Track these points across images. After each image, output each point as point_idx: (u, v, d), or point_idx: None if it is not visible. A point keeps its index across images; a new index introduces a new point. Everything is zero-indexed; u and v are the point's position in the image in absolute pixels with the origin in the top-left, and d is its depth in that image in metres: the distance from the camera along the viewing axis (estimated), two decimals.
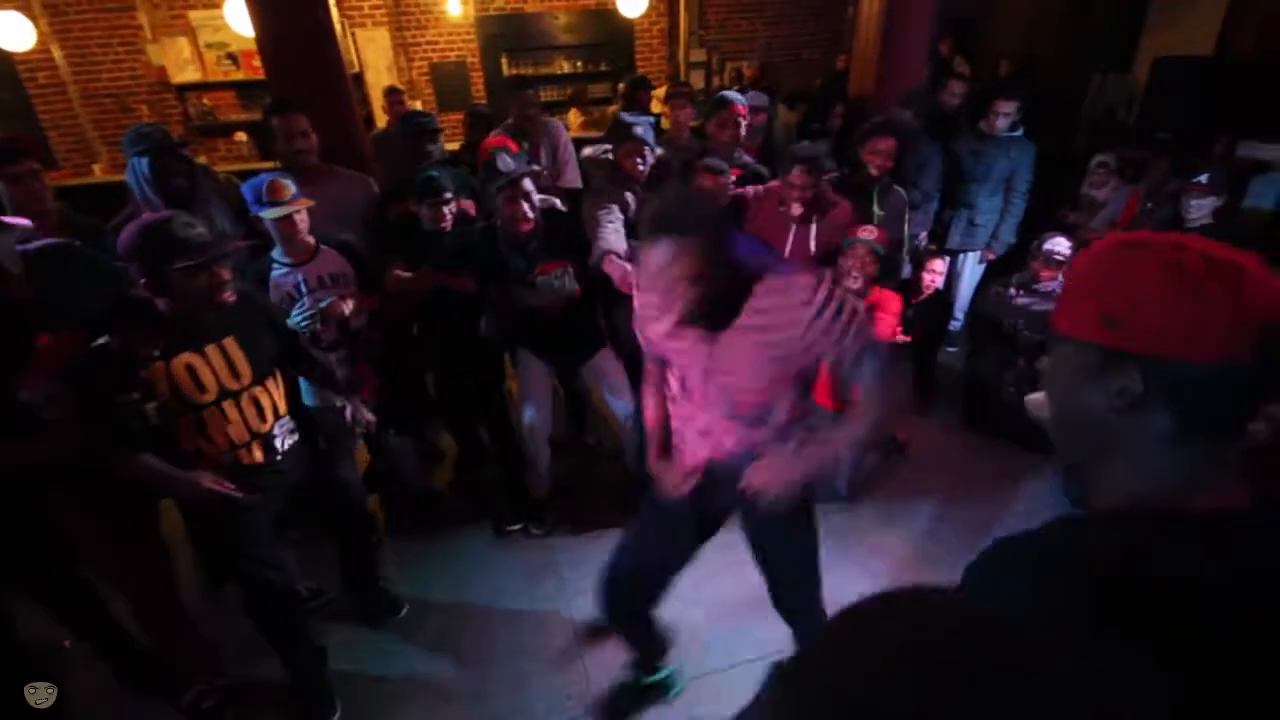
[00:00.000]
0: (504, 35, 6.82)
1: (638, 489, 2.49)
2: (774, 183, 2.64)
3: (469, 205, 2.66)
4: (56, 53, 5.61)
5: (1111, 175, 3.76)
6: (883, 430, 2.50)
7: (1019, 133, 3.49)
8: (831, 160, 3.22)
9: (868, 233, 2.45)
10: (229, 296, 1.57)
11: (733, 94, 2.87)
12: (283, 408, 1.81)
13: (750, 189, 2.67)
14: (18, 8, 4.83)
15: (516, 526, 2.67)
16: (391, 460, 2.80)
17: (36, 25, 4.93)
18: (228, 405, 1.64)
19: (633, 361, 2.73)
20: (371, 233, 2.58)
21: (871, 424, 1.33)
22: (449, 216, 2.40)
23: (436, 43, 6.76)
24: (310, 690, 1.95)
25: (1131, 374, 0.59)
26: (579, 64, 7.05)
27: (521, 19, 6.82)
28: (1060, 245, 2.85)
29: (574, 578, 2.44)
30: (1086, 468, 0.70)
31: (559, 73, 7.04)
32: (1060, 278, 2.85)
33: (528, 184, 2.16)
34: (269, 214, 2.03)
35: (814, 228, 2.56)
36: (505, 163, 2.08)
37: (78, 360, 1.47)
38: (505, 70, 6.90)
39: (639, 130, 2.39)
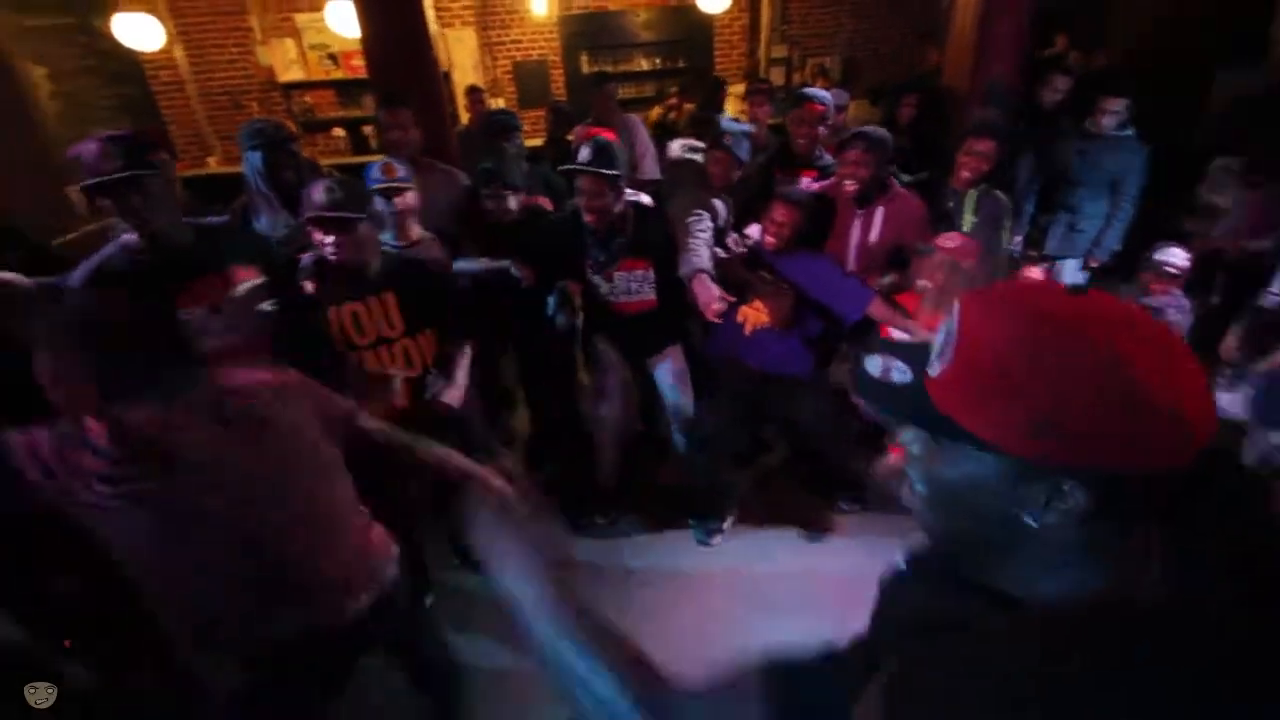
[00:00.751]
0: (585, 34, 6.92)
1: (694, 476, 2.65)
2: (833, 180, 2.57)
3: (545, 201, 2.71)
4: (178, 53, 6.09)
5: (1235, 179, 3.45)
6: None
7: (1129, 132, 3.25)
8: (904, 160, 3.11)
9: (949, 240, 2.22)
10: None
11: (813, 90, 2.79)
12: (429, 362, 1.99)
13: (816, 186, 2.60)
14: (147, 11, 5.27)
15: (583, 520, 2.72)
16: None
17: (164, 27, 5.37)
18: (381, 350, 1.88)
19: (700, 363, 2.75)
20: (463, 224, 2.69)
21: None
22: (512, 208, 2.44)
23: (520, 41, 6.93)
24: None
25: (1067, 488, 0.49)
26: (657, 61, 7.07)
27: (603, 17, 6.90)
28: (1174, 256, 2.63)
29: (638, 568, 2.47)
30: (969, 555, 0.58)
31: (637, 70, 7.09)
32: (1172, 293, 2.63)
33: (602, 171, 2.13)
34: (375, 186, 2.17)
35: (878, 216, 2.45)
36: (582, 154, 2.07)
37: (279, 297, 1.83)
38: (585, 68, 7.00)
39: (729, 141, 2.39)
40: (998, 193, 2.64)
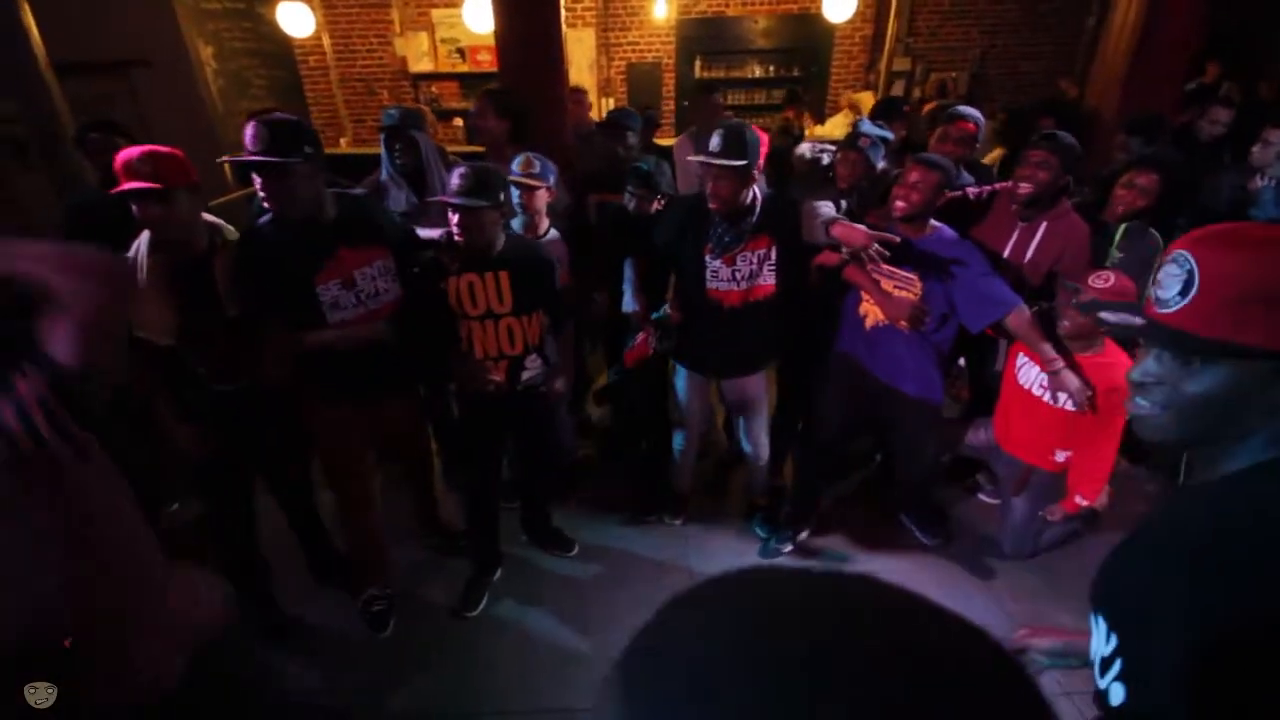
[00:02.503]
0: (701, 38, 6.95)
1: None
2: (1005, 183, 2.42)
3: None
4: (325, 41, 6.61)
5: None
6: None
7: None
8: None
9: (1101, 280, 1.97)
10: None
11: (966, 109, 2.66)
12: (533, 341, 2.12)
13: (973, 190, 2.47)
14: (303, 1, 5.76)
15: (652, 517, 2.74)
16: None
17: (315, 16, 5.85)
18: (489, 324, 2.03)
19: (800, 380, 2.69)
20: (572, 222, 2.78)
21: None
22: (652, 210, 2.51)
23: (637, 44, 7.05)
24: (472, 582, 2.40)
25: None
26: (770, 69, 7.01)
27: (721, 22, 6.91)
28: None
29: (701, 573, 2.46)
30: (1196, 451, 0.74)
31: (749, 77, 7.06)
32: None
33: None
34: (513, 178, 2.30)
35: (1040, 231, 2.29)
36: (713, 143, 2.05)
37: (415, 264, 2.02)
38: (698, 72, 7.04)
39: (865, 144, 2.34)
40: (1153, 230, 2.39)
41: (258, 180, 1.72)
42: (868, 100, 6.05)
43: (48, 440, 0.89)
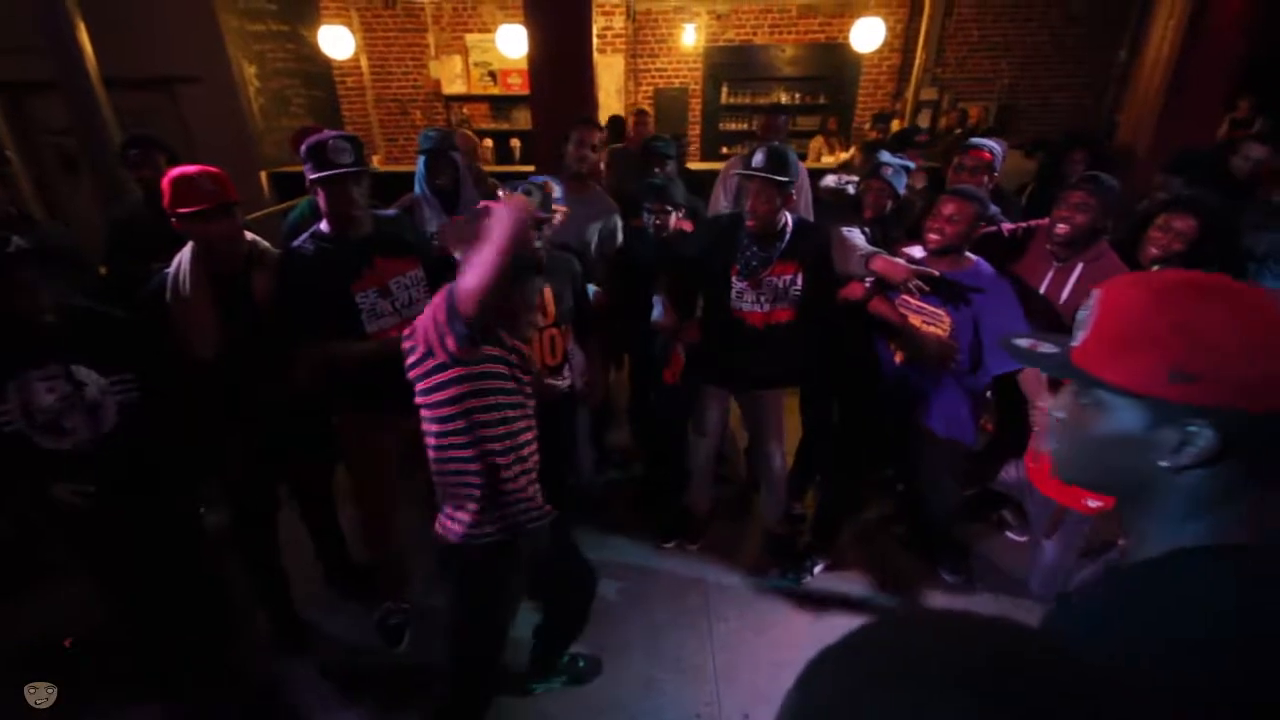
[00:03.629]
0: (729, 65, 7.05)
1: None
2: (1042, 220, 2.39)
3: (687, 224, 2.77)
4: (363, 62, 6.81)
5: None
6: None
7: None
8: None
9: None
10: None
11: (983, 140, 2.66)
12: (567, 350, 2.17)
13: (1009, 226, 2.44)
14: (344, 24, 5.96)
15: (670, 544, 2.71)
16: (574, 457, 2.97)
17: (355, 39, 6.04)
18: (537, 335, 2.04)
19: (823, 411, 2.67)
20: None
21: None
22: (672, 225, 2.51)
23: (665, 70, 7.17)
24: None
25: (1200, 431, 0.56)
26: (797, 96, 7.07)
27: (748, 50, 7.00)
28: None
29: (718, 601, 2.44)
30: (1122, 513, 0.66)
31: (776, 104, 7.10)
32: None
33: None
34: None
35: (1075, 273, 2.23)
36: (756, 158, 2.08)
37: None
38: (724, 99, 7.12)
39: (888, 173, 2.34)
40: None
41: (324, 192, 1.81)
42: (893, 128, 6.07)
43: None
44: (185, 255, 1.82)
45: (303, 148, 1.81)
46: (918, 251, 2.18)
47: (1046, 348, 0.71)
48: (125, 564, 1.85)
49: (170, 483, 1.85)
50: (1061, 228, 2.18)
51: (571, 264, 2.23)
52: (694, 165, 4.45)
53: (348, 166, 1.78)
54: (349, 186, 1.81)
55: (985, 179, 2.54)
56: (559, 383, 2.17)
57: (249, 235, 1.91)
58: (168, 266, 1.84)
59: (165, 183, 1.74)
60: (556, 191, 2.33)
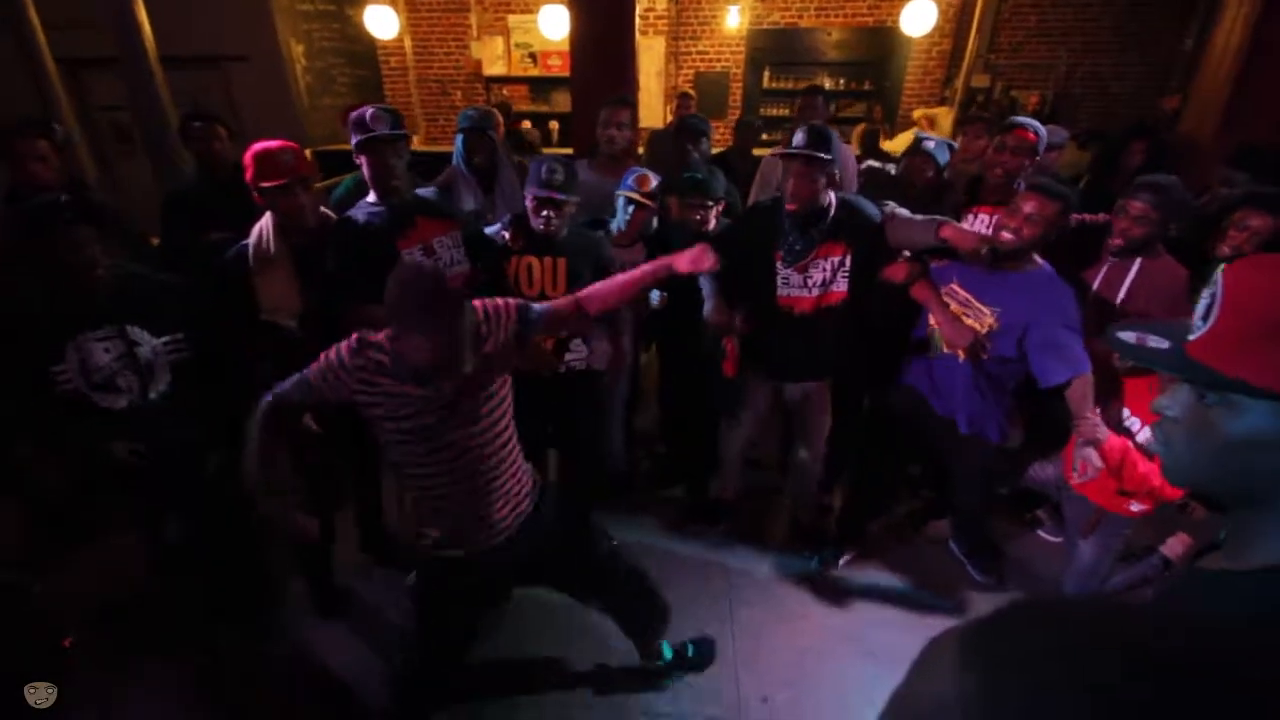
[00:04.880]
0: (771, 49, 6.90)
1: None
2: (1098, 216, 2.31)
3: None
4: (406, 43, 6.87)
5: None
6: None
7: None
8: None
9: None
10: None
11: (1025, 119, 2.55)
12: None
13: (1076, 216, 2.29)
14: (389, 4, 6.01)
15: (696, 526, 2.72)
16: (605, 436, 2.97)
17: (399, 19, 6.10)
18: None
19: (857, 401, 2.63)
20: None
21: None
22: (712, 223, 2.44)
23: (706, 53, 7.06)
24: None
25: None
26: (841, 82, 6.89)
27: (793, 33, 6.84)
28: None
29: (740, 584, 2.46)
30: (1231, 517, 0.60)
31: (813, 85, 6.94)
32: None
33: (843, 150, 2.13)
34: (627, 193, 2.35)
35: (1132, 270, 2.14)
36: (797, 138, 2.01)
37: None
38: (766, 83, 6.99)
39: (929, 145, 2.28)
40: None
41: (368, 160, 1.96)
42: (943, 116, 5.88)
43: None
44: (266, 225, 1.89)
45: (351, 118, 1.96)
46: (982, 223, 2.12)
47: (1156, 341, 0.63)
48: (174, 518, 1.92)
49: (220, 441, 1.91)
50: (1117, 241, 2.10)
51: (596, 245, 2.24)
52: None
53: (379, 132, 1.92)
54: (385, 151, 1.96)
55: (1027, 162, 2.43)
56: (572, 355, 2.22)
57: (322, 209, 2.02)
58: (227, 237, 1.92)
59: (249, 157, 1.85)
60: (653, 185, 2.34)
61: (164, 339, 1.74)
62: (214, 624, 2.19)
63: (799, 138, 1.97)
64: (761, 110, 7.03)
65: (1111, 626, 0.33)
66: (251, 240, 1.89)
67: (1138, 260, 2.13)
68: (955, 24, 6.44)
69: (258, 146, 1.85)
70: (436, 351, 1.30)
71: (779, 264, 2.13)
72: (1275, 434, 0.54)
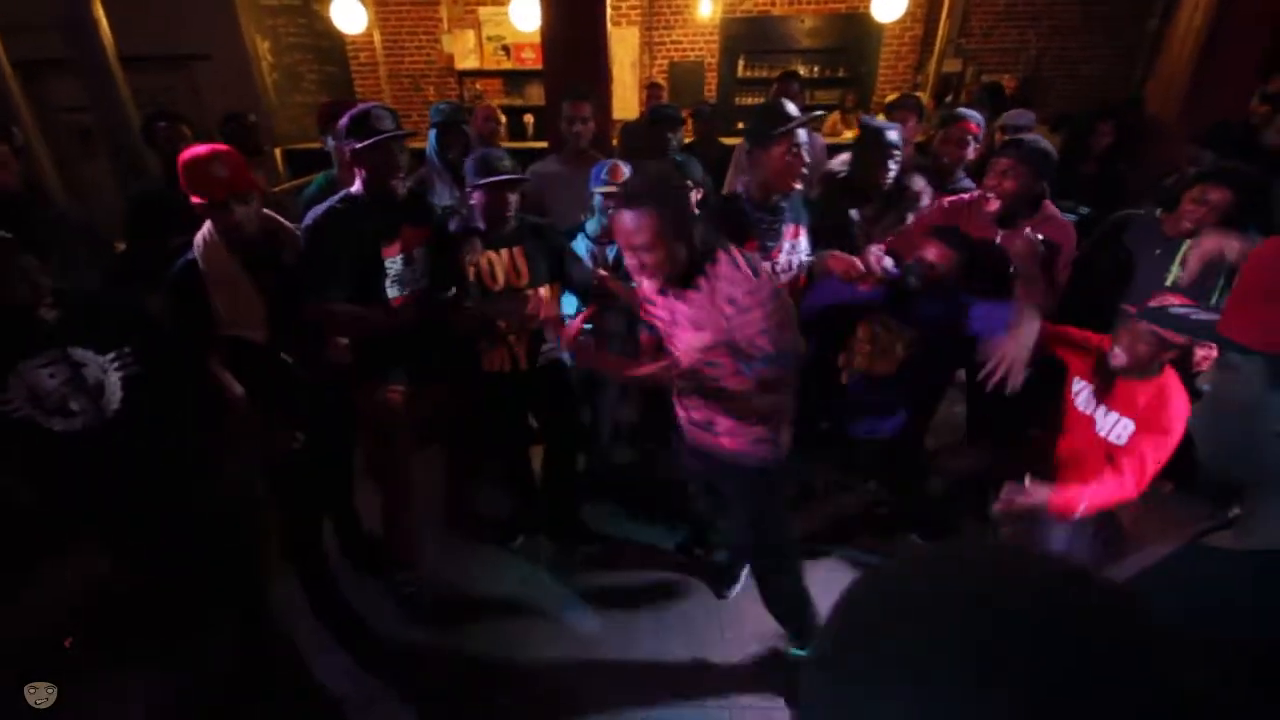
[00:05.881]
0: (746, 37, 6.89)
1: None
2: (978, 191, 2.30)
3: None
4: (376, 37, 6.74)
5: None
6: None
7: None
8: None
9: (1170, 301, 1.76)
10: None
11: (967, 110, 2.61)
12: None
13: (948, 199, 2.36)
14: None
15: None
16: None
17: (367, 13, 5.98)
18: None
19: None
20: None
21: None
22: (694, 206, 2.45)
23: (680, 43, 7.03)
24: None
25: None
26: (815, 69, 6.90)
27: (766, 21, 6.84)
28: None
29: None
30: (1243, 497, 0.62)
31: (787, 71, 6.95)
32: None
33: (803, 135, 1.96)
34: (600, 189, 2.30)
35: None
36: (790, 108, 1.99)
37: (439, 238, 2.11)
38: (741, 72, 6.98)
39: (892, 135, 2.28)
40: None
41: (369, 158, 1.87)
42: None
43: None
44: (209, 237, 1.79)
45: (344, 120, 1.86)
46: (890, 262, 2.10)
47: (1196, 313, 0.68)
48: (143, 537, 1.86)
49: (188, 455, 1.86)
50: (992, 201, 2.13)
51: (545, 227, 2.25)
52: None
53: (392, 131, 1.85)
54: (394, 151, 1.90)
55: (964, 153, 2.51)
56: (547, 346, 2.25)
57: (267, 213, 1.90)
58: (187, 241, 1.84)
59: (180, 165, 1.71)
60: (626, 175, 2.27)
61: (109, 355, 1.63)
62: (188, 633, 2.15)
63: (793, 107, 1.96)
64: (737, 99, 7.04)
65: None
66: (197, 253, 1.78)
67: (1026, 229, 2.14)
68: (926, 9, 6.47)
69: (187, 154, 1.71)
70: None
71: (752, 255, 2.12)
72: (1269, 391, 0.55)
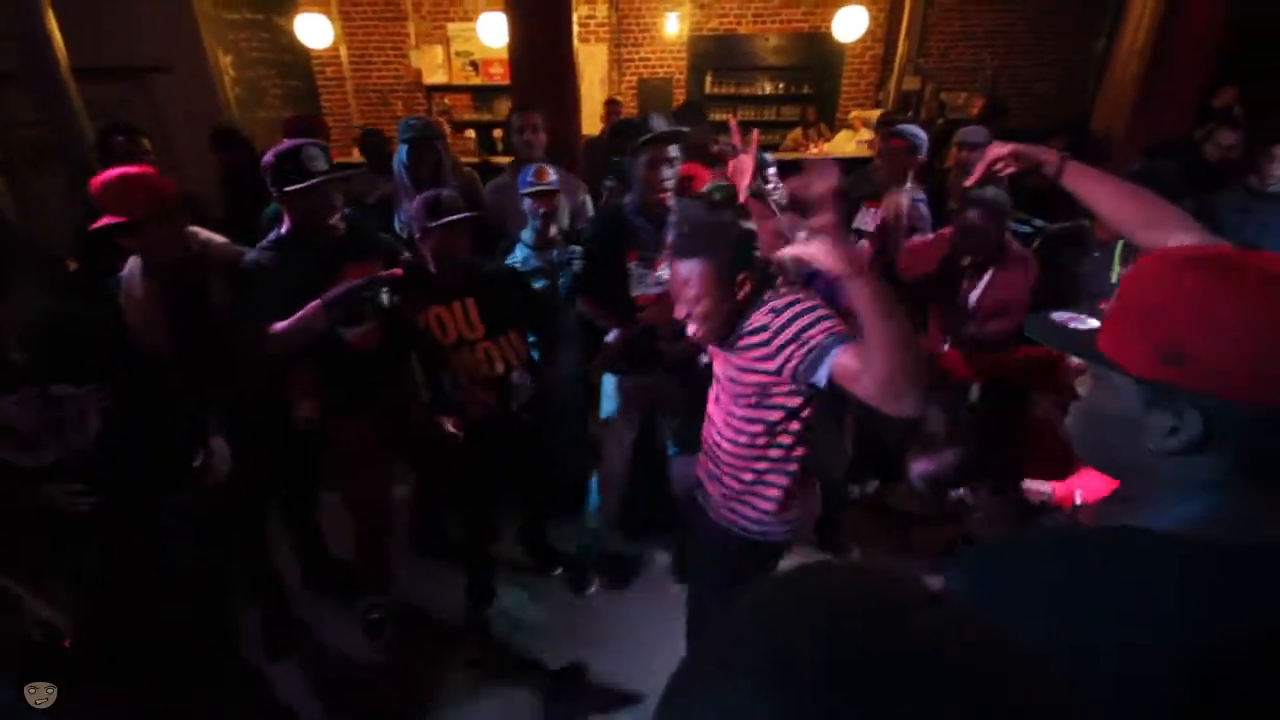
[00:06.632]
0: (712, 54, 7.02)
1: None
2: (945, 230, 2.41)
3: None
4: (342, 52, 6.70)
5: None
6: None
7: None
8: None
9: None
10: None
11: (904, 126, 2.72)
12: (515, 360, 2.06)
13: (918, 238, 2.50)
14: (322, 12, 5.85)
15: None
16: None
17: (334, 28, 5.94)
18: (464, 351, 1.98)
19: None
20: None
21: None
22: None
23: (649, 59, 7.12)
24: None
25: (1188, 416, 0.54)
26: (781, 86, 7.07)
27: (732, 40, 6.98)
28: None
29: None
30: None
31: (759, 94, 7.12)
32: None
33: (673, 150, 1.97)
34: (528, 190, 2.23)
35: (984, 281, 2.28)
36: (657, 123, 1.98)
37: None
38: (709, 88, 7.10)
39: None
40: None
41: (299, 204, 1.74)
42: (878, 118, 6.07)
43: None
44: (135, 263, 1.73)
45: (269, 157, 1.69)
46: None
47: (1076, 323, 0.70)
48: (116, 568, 1.78)
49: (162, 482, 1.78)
50: (966, 260, 2.27)
51: (501, 272, 2.16)
52: None
53: (327, 173, 1.71)
54: (329, 194, 1.75)
55: (902, 168, 2.64)
56: (517, 386, 2.06)
57: (201, 234, 1.83)
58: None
59: (93, 188, 1.60)
60: (552, 176, 2.25)
61: (86, 387, 1.53)
62: (154, 669, 2.07)
63: (657, 122, 1.98)
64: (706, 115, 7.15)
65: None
66: (125, 272, 1.71)
67: (990, 270, 2.28)
68: (886, 29, 6.67)
69: (100, 177, 1.61)
70: None
71: (636, 267, 2.08)
72: (1134, 412, 0.58)
